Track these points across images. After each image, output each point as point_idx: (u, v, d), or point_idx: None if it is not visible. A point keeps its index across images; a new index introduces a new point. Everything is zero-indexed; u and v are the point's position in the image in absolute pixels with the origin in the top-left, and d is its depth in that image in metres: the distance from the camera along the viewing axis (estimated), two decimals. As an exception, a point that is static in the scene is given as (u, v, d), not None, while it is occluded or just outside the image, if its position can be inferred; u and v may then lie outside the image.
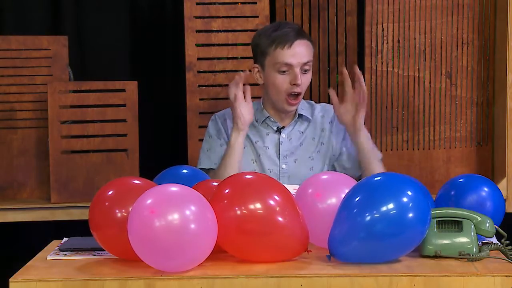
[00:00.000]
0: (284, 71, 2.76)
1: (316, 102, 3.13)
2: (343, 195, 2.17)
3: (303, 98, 2.93)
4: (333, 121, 2.92)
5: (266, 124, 2.90)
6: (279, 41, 2.76)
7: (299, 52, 2.76)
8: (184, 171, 2.78)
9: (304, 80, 2.79)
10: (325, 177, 2.32)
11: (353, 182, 2.25)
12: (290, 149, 2.86)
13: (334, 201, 2.19)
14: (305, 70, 2.79)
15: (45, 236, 2.98)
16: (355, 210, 2.04)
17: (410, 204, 2.02)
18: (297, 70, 2.75)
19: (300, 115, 2.90)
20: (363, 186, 2.10)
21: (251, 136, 2.90)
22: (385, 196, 2.03)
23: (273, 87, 2.80)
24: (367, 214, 2.02)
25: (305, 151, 2.88)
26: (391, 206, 2.01)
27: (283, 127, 2.88)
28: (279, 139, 2.88)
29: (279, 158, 2.86)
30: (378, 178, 2.11)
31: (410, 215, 2.01)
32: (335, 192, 2.21)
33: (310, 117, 2.90)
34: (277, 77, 2.78)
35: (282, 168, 2.85)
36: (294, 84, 2.76)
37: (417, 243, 2.08)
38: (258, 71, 2.84)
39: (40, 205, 3.58)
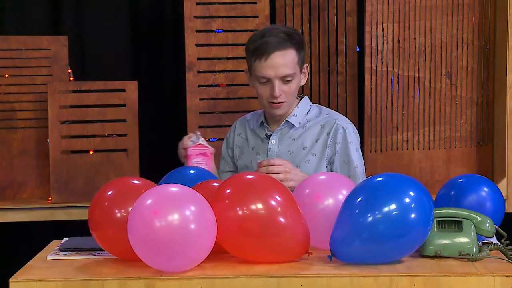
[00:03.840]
0: (264, 82, 2.74)
1: (316, 103, 3.10)
2: (340, 196, 2.16)
3: (313, 102, 2.90)
4: (330, 133, 2.80)
5: (262, 129, 2.89)
6: (257, 53, 2.69)
7: (276, 65, 2.68)
8: (191, 171, 2.78)
9: (286, 90, 2.72)
10: (322, 177, 2.32)
11: (350, 183, 2.25)
12: (279, 155, 2.80)
13: (331, 201, 2.19)
14: (287, 81, 2.72)
15: (45, 236, 2.98)
16: (357, 211, 2.03)
17: (413, 205, 2.01)
18: (276, 82, 2.70)
19: (289, 122, 2.83)
20: (365, 187, 2.10)
21: (250, 142, 2.90)
22: (387, 197, 2.02)
23: (257, 95, 2.79)
24: (369, 215, 2.01)
25: (293, 159, 2.79)
26: (393, 207, 2.01)
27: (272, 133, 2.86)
28: (268, 144, 2.85)
29: None
30: (380, 178, 2.10)
31: (413, 216, 2.01)
32: (332, 193, 2.21)
33: (297, 125, 2.85)
34: (259, 87, 2.75)
35: None
36: (272, 96, 2.74)
37: (419, 244, 2.08)
38: (248, 76, 2.83)
39: (40, 205, 3.58)
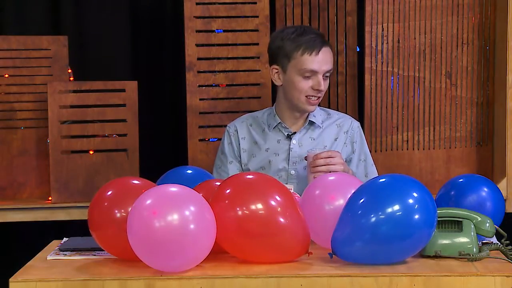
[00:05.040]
0: (308, 76, 2.79)
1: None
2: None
3: (319, 106, 2.94)
4: (348, 131, 2.91)
5: (277, 130, 2.91)
6: (307, 47, 2.78)
7: (324, 60, 2.79)
8: (189, 171, 2.78)
9: (325, 85, 2.83)
10: (332, 178, 2.31)
11: (360, 184, 2.24)
12: (300, 155, 2.85)
13: (342, 202, 2.16)
14: (326, 76, 2.82)
15: (45, 236, 2.98)
16: (359, 212, 2.03)
17: (416, 206, 2.00)
18: (320, 76, 2.79)
19: (312, 122, 2.89)
20: (368, 188, 2.09)
21: (261, 143, 2.91)
22: (390, 198, 2.01)
23: (294, 89, 2.82)
24: (372, 216, 2.00)
25: None
26: (397, 208, 2.00)
27: (294, 133, 2.89)
28: (290, 145, 2.88)
29: (288, 164, 2.86)
30: (383, 179, 2.10)
31: (417, 217, 2.00)
32: (343, 193, 2.19)
33: (320, 125, 2.89)
34: (300, 80, 2.80)
35: (291, 174, 2.85)
36: (316, 90, 2.79)
37: (423, 245, 2.07)
38: (277, 72, 2.85)
39: (40, 205, 3.58)
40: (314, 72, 2.78)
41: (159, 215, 1.95)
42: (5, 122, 3.68)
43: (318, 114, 2.92)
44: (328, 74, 2.82)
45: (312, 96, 2.81)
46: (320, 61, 2.78)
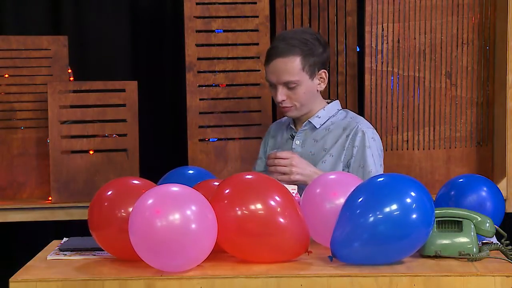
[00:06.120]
0: (271, 85, 2.79)
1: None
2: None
3: (344, 107, 2.92)
4: (350, 135, 2.81)
5: (289, 130, 2.93)
6: (266, 57, 2.79)
7: (277, 71, 2.74)
8: (190, 171, 2.78)
9: (291, 95, 2.76)
10: (333, 176, 2.31)
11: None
12: (301, 156, 2.82)
13: (343, 200, 2.15)
14: (291, 87, 2.76)
15: (45, 236, 2.98)
16: (358, 211, 2.03)
17: (414, 205, 2.01)
18: (278, 87, 2.76)
19: (310, 124, 2.86)
20: (366, 187, 2.09)
21: (276, 142, 2.94)
22: (388, 198, 2.02)
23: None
24: (370, 216, 2.01)
25: (314, 159, 2.82)
26: (394, 207, 2.00)
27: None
28: (292, 145, 2.88)
29: None
30: (381, 179, 2.10)
31: (414, 216, 2.00)
32: (344, 191, 2.18)
33: (318, 126, 2.86)
34: (270, 88, 2.82)
35: None
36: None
37: (420, 245, 2.07)
38: None
39: (40, 205, 3.58)
40: (271, 82, 2.77)
41: (162, 214, 1.95)
42: (5, 122, 3.68)
43: (327, 116, 2.88)
44: (292, 85, 2.75)
45: (279, 104, 2.80)
46: (273, 72, 2.75)
